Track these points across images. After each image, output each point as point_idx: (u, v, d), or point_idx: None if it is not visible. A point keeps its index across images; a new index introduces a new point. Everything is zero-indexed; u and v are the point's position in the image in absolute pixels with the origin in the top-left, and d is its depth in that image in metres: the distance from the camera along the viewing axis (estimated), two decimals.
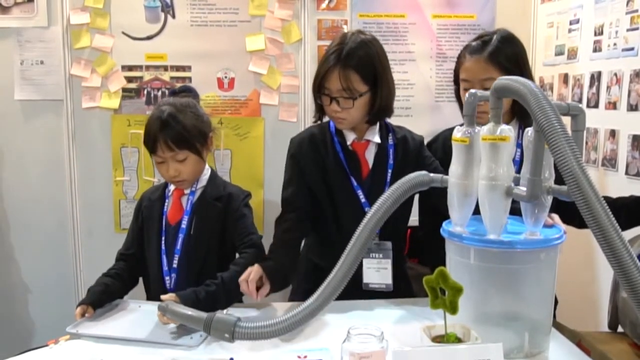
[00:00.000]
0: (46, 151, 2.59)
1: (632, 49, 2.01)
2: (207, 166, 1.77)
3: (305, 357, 1.26)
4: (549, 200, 1.22)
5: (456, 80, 1.79)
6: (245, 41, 2.60)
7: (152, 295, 1.71)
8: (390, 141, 1.75)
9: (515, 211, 1.26)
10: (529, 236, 1.25)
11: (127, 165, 2.62)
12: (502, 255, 1.22)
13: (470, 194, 1.24)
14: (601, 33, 2.20)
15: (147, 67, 2.59)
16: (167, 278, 1.69)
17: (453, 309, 1.10)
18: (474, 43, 1.71)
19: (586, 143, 2.25)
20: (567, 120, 1.07)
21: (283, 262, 1.59)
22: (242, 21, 2.61)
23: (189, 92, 1.85)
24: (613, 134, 2.10)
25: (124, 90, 2.60)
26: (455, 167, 1.25)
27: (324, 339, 1.35)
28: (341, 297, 1.24)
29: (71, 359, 1.31)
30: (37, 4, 2.51)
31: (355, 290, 1.53)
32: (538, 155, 1.14)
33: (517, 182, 1.24)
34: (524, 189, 1.17)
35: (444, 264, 1.24)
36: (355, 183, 1.71)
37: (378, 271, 1.68)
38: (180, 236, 1.69)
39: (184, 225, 1.69)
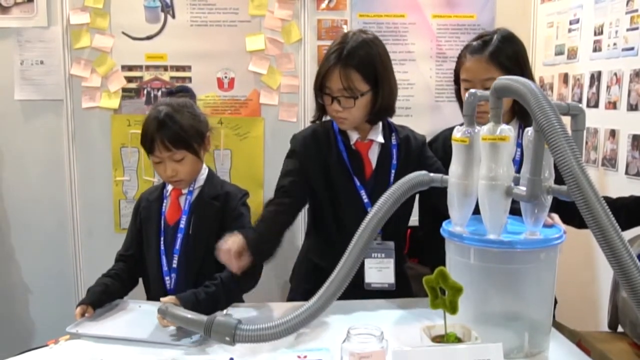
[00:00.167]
0: (46, 151, 2.59)
1: (632, 48, 2.01)
2: (204, 166, 1.77)
3: (305, 357, 1.26)
4: (548, 200, 1.22)
5: (456, 80, 1.79)
6: (245, 41, 2.60)
7: (152, 295, 1.71)
8: (394, 141, 1.75)
9: (515, 211, 1.26)
10: (529, 236, 1.25)
11: (127, 165, 2.62)
12: (502, 255, 1.22)
13: (470, 194, 1.24)
14: (601, 33, 2.20)
15: (147, 67, 2.60)
16: (167, 278, 1.69)
17: (453, 308, 1.10)
18: (474, 43, 1.71)
19: (586, 143, 2.25)
20: (567, 120, 1.07)
21: (266, 235, 1.55)
22: (242, 21, 2.61)
23: (186, 92, 1.85)
24: (613, 133, 2.10)
25: (124, 90, 2.60)
26: (455, 167, 1.25)
27: (324, 339, 1.35)
28: (342, 296, 1.24)
29: (71, 359, 1.31)
30: (37, 4, 2.51)
31: (357, 290, 1.52)
32: (538, 155, 1.14)
33: (517, 181, 1.24)
34: (524, 188, 1.17)
35: (443, 264, 1.24)
36: (358, 183, 1.70)
37: (380, 271, 1.67)
38: (179, 236, 1.69)
39: (182, 225, 1.69)
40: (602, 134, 2.16)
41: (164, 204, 1.73)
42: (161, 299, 1.42)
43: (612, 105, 2.12)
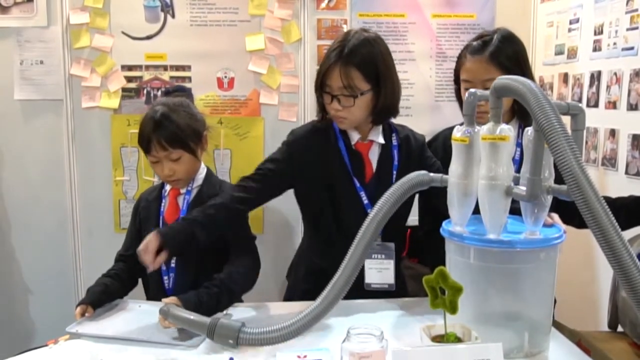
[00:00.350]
0: (46, 151, 2.59)
1: (632, 48, 2.01)
2: (202, 165, 1.77)
3: (305, 357, 1.26)
4: (548, 199, 1.22)
5: (456, 80, 1.79)
6: (245, 41, 2.60)
7: (152, 295, 1.71)
8: (394, 141, 1.73)
9: (515, 211, 1.26)
10: (529, 236, 1.25)
11: (127, 165, 2.62)
12: (502, 255, 1.22)
13: (470, 194, 1.24)
14: (601, 32, 2.20)
15: (147, 67, 2.59)
16: (165, 278, 1.69)
17: (453, 308, 1.10)
18: (474, 43, 1.71)
19: (586, 142, 2.25)
20: (567, 120, 1.07)
21: (185, 229, 1.53)
22: (242, 21, 2.60)
23: (183, 91, 1.85)
24: (613, 133, 2.10)
25: (124, 90, 2.60)
26: (455, 166, 1.25)
27: (324, 338, 1.35)
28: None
29: (71, 359, 1.30)
30: (37, 3, 2.51)
31: (356, 290, 1.52)
32: (538, 155, 1.14)
33: (516, 181, 1.24)
34: (524, 188, 1.17)
35: (443, 264, 1.24)
36: (358, 184, 1.69)
37: (380, 271, 1.66)
38: None
39: None
40: (602, 134, 2.16)
41: (163, 204, 1.73)
42: (163, 299, 1.41)
43: (612, 104, 2.12)
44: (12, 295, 2.65)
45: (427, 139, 1.89)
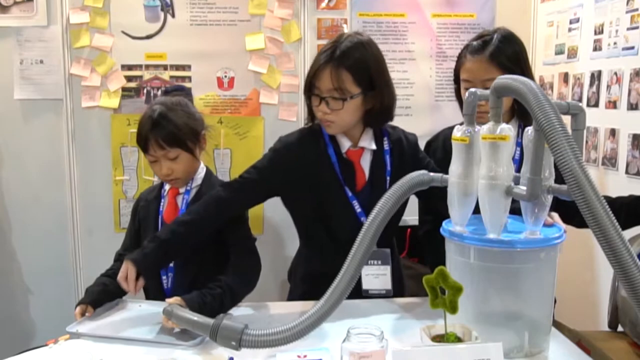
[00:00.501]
0: (46, 151, 2.59)
1: (632, 47, 2.01)
2: (202, 165, 1.76)
3: (305, 356, 1.26)
4: (549, 199, 1.22)
5: (456, 80, 1.78)
6: (245, 40, 2.60)
7: (150, 295, 1.71)
8: (386, 146, 1.69)
9: (515, 210, 1.26)
10: (529, 235, 1.25)
11: (127, 164, 2.62)
12: (502, 255, 1.22)
13: (470, 193, 1.23)
14: (601, 32, 2.20)
15: (147, 67, 2.59)
16: (164, 277, 1.69)
17: (453, 308, 1.10)
18: (474, 43, 1.70)
19: (586, 142, 2.25)
20: (567, 120, 1.07)
21: (157, 252, 1.52)
22: (242, 20, 2.60)
23: (181, 90, 1.85)
24: (613, 133, 2.10)
25: (124, 89, 2.60)
26: (455, 166, 1.25)
27: (324, 338, 1.34)
28: None
29: (70, 359, 1.30)
30: (37, 3, 2.51)
31: (355, 297, 1.49)
32: (538, 155, 1.14)
33: (517, 181, 1.24)
34: (524, 188, 1.17)
35: (444, 264, 1.23)
36: (350, 194, 1.64)
37: (377, 277, 1.63)
38: None
39: None
40: (602, 133, 2.16)
41: (162, 204, 1.73)
42: (166, 300, 1.41)
43: (612, 104, 2.12)
44: (12, 294, 2.64)
45: (427, 138, 1.89)
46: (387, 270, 1.64)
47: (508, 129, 1.18)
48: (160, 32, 2.58)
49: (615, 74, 2.10)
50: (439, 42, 2.69)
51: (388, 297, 1.66)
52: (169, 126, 1.62)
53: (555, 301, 1.63)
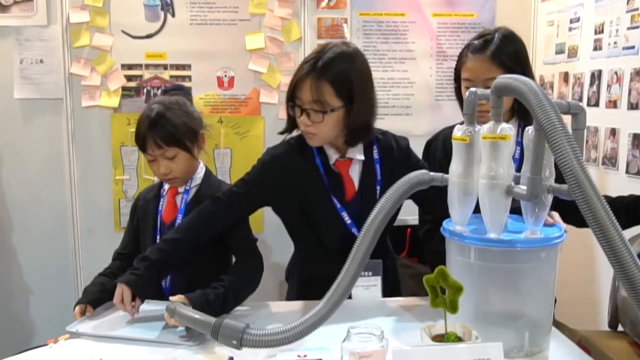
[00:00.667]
0: (46, 150, 2.59)
1: (633, 47, 2.01)
2: (201, 165, 1.76)
3: (305, 356, 1.25)
4: (549, 199, 1.21)
5: (456, 79, 1.78)
6: (245, 40, 2.60)
7: (149, 295, 1.71)
8: (375, 155, 1.64)
9: (515, 210, 1.26)
10: (530, 235, 1.24)
11: (127, 164, 2.62)
12: (502, 254, 1.22)
13: (470, 193, 1.23)
14: (602, 31, 2.20)
15: (147, 66, 2.59)
16: None
17: (453, 308, 1.10)
18: (475, 42, 1.70)
19: (586, 142, 2.25)
20: (567, 119, 1.07)
21: (150, 273, 1.51)
22: (242, 20, 2.60)
23: (180, 90, 1.84)
24: (613, 132, 2.10)
25: (124, 89, 2.60)
26: (455, 165, 1.25)
27: (324, 338, 1.34)
28: None
29: (70, 359, 1.30)
30: (37, 2, 2.51)
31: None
32: (538, 154, 1.14)
33: (517, 180, 1.24)
34: (524, 187, 1.17)
35: (444, 263, 1.23)
36: (338, 205, 1.61)
37: (367, 289, 1.61)
38: None
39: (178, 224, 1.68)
40: (603, 133, 2.16)
41: (161, 203, 1.73)
42: (170, 297, 1.41)
43: (613, 104, 2.12)
44: (12, 294, 2.65)
45: (427, 138, 1.89)
46: (377, 281, 1.62)
47: (508, 129, 1.18)
48: (160, 32, 2.58)
49: (616, 73, 2.10)
50: (439, 41, 2.69)
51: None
52: (167, 126, 1.62)
53: (555, 301, 1.63)
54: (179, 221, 1.68)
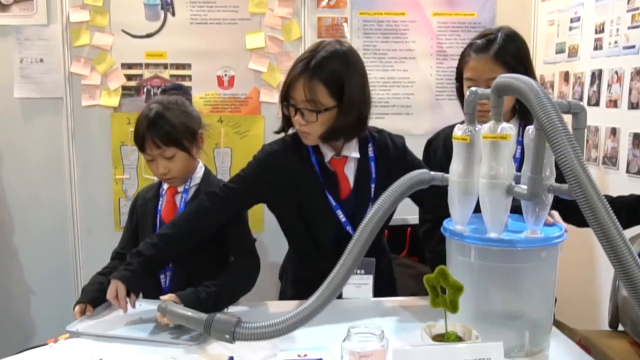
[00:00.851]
0: (46, 149, 2.59)
1: (633, 46, 2.01)
2: (200, 164, 1.76)
3: (305, 355, 1.25)
4: (549, 198, 1.21)
5: (458, 78, 1.78)
6: (245, 39, 2.60)
7: (148, 293, 1.70)
8: (371, 153, 1.64)
9: (516, 209, 1.26)
10: (530, 234, 1.24)
11: (127, 163, 2.62)
12: (502, 254, 1.22)
13: (470, 192, 1.23)
14: (602, 31, 2.20)
15: (147, 65, 2.59)
16: (162, 276, 1.69)
17: (453, 307, 1.10)
18: (478, 41, 1.69)
19: (587, 141, 2.24)
20: (568, 119, 1.07)
21: (143, 269, 1.51)
22: (242, 19, 2.60)
23: (179, 89, 1.84)
24: (614, 132, 2.10)
25: (124, 88, 2.60)
26: (455, 165, 1.24)
27: (324, 337, 1.34)
28: None
29: (70, 358, 1.30)
30: (37, 1, 2.51)
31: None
32: (539, 153, 1.14)
33: (517, 180, 1.24)
34: (525, 187, 1.17)
35: (444, 263, 1.23)
36: (333, 203, 1.60)
37: (358, 287, 1.60)
38: None
39: None
40: (603, 132, 2.16)
41: (160, 202, 1.73)
42: (161, 297, 1.41)
43: (613, 103, 2.11)
44: (12, 293, 2.65)
45: (428, 137, 1.89)
46: (369, 279, 1.61)
47: (509, 128, 1.18)
48: (161, 31, 2.58)
49: (616, 72, 2.09)
50: (440, 40, 2.69)
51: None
52: (165, 126, 1.62)
53: (555, 300, 1.63)
54: None
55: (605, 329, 1.68)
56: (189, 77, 2.61)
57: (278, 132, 1.68)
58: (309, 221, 1.64)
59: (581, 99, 2.29)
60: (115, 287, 1.47)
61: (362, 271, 1.61)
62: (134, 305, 1.49)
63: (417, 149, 1.77)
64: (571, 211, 1.29)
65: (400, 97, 2.71)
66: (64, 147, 2.59)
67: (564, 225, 1.33)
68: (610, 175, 2.12)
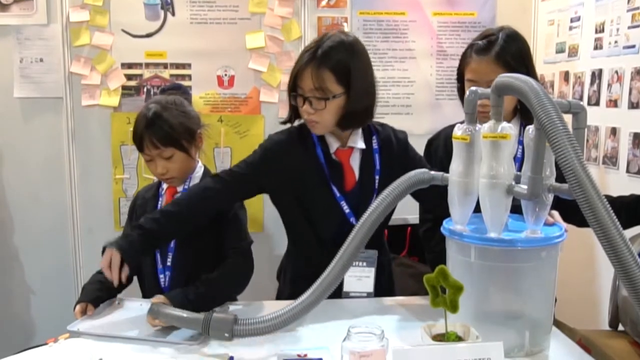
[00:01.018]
0: (46, 149, 2.59)
1: (633, 46, 2.01)
2: (200, 164, 1.76)
3: (305, 355, 1.25)
4: (550, 198, 1.21)
5: (459, 79, 1.77)
6: (245, 39, 2.60)
7: (147, 293, 1.71)
8: (375, 144, 1.66)
9: (516, 209, 1.26)
10: (530, 234, 1.24)
11: (127, 163, 2.62)
12: (502, 254, 1.22)
13: (470, 192, 1.23)
14: (602, 30, 2.20)
15: (147, 65, 2.59)
16: (161, 276, 1.69)
17: (453, 307, 1.10)
18: (479, 42, 1.68)
19: (587, 141, 2.24)
20: (568, 118, 1.07)
21: (141, 241, 1.50)
22: (242, 19, 2.60)
23: (178, 89, 1.84)
24: (614, 131, 2.10)
25: (124, 88, 2.60)
26: (456, 164, 1.24)
27: (324, 337, 1.34)
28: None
29: (70, 358, 1.30)
30: (37, 1, 2.50)
31: (334, 297, 1.43)
32: (539, 153, 1.14)
33: (518, 180, 1.24)
34: (525, 187, 1.17)
35: (444, 262, 1.23)
36: (337, 194, 1.61)
37: (360, 280, 1.61)
38: None
39: None
40: (603, 132, 2.16)
41: (160, 202, 1.73)
42: (151, 300, 1.41)
43: (613, 103, 2.11)
44: (12, 293, 2.65)
45: (428, 137, 1.89)
46: (371, 272, 1.62)
47: (509, 128, 1.18)
48: (160, 31, 2.58)
49: (616, 72, 2.09)
50: (440, 40, 2.69)
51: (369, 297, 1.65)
52: (163, 126, 1.62)
53: (555, 300, 1.63)
54: None
55: (605, 328, 1.68)
56: (189, 76, 2.61)
57: (284, 123, 1.70)
58: (312, 212, 1.65)
59: (581, 98, 2.29)
60: (110, 256, 1.44)
61: (364, 263, 1.62)
62: (126, 279, 1.47)
63: (417, 148, 1.77)
64: (571, 211, 1.29)
65: (400, 97, 2.71)
66: (64, 147, 2.59)
67: (564, 225, 1.33)
68: (610, 175, 2.12)
